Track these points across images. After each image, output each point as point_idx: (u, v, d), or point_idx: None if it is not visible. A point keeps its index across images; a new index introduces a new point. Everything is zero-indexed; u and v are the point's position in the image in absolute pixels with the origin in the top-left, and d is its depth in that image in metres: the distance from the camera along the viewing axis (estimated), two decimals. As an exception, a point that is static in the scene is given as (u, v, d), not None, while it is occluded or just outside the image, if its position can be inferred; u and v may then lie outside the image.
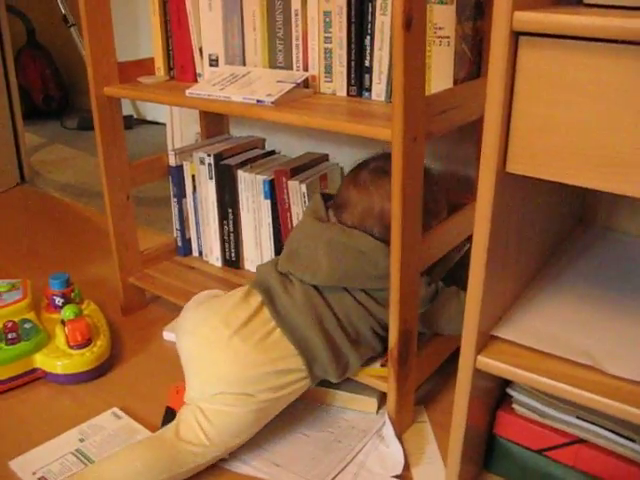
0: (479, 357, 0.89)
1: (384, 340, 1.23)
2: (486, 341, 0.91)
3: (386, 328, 1.20)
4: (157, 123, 3.51)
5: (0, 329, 1.44)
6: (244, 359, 1.17)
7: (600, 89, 0.70)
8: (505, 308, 0.97)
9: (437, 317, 1.28)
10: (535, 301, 1.00)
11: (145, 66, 1.59)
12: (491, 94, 0.76)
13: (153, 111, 3.59)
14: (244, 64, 1.42)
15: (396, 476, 1.17)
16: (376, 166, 1.29)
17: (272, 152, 1.73)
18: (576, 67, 0.71)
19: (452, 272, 1.37)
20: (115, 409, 1.35)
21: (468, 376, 0.91)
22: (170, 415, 1.27)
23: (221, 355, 1.18)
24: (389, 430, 1.23)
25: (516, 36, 0.74)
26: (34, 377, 1.44)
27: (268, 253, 1.62)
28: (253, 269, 1.63)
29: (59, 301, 1.56)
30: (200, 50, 1.47)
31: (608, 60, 0.69)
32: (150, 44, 1.57)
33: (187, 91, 1.35)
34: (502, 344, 0.91)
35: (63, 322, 1.47)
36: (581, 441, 0.97)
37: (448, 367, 1.36)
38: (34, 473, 1.18)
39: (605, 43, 0.68)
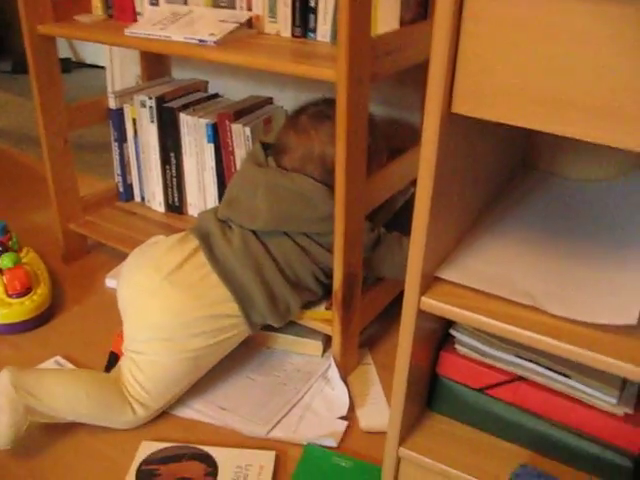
0: (423, 298, 0.90)
1: (326, 286, 1.24)
2: (430, 283, 0.92)
3: (329, 275, 1.20)
4: (97, 66, 3.40)
5: None
6: (174, 304, 1.16)
7: (548, 29, 0.70)
8: (449, 250, 0.98)
9: (380, 262, 1.28)
10: (478, 243, 1.01)
11: (81, 4, 1.53)
12: (437, 32, 0.75)
13: (92, 54, 3.47)
14: (185, 3, 1.38)
15: (341, 417, 1.18)
16: (316, 110, 1.28)
17: (215, 95, 1.69)
18: (525, 6, 0.70)
19: (396, 218, 1.37)
20: (58, 357, 1.34)
21: (412, 317, 0.91)
22: (114, 360, 1.26)
23: (151, 301, 1.17)
24: (334, 373, 1.24)
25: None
26: (-31, 326, 1.41)
27: (212, 198, 1.60)
28: (197, 214, 1.61)
29: (-2, 248, 1.52)
30: (140, -12, 1.43)
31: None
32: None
33: (126, 30, 1.30)
34: (446, 285, 0.92)
35: (1, 271, 1.43)
36: (520, 379, 0.99)
37: (391, 311, 1.37)
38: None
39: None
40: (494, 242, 1.02)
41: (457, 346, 1.03)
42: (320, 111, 1.26)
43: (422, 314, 0.91)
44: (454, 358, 1.03)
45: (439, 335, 1.06)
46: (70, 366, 1.31)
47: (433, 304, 0.90)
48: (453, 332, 1.03)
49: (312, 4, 1.23)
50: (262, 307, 1.20)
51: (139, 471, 1.09)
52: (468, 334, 1.01)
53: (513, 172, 1.25)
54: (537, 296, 0.88)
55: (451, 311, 0.89)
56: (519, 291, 0.89)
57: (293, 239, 1.22)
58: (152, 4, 1.42)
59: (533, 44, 0.72)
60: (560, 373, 0.94)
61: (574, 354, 0.82)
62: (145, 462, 1.10)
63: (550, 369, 0.95)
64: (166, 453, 1.12)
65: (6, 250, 1.52)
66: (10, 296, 1.40)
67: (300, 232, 1.22)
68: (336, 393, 1.22)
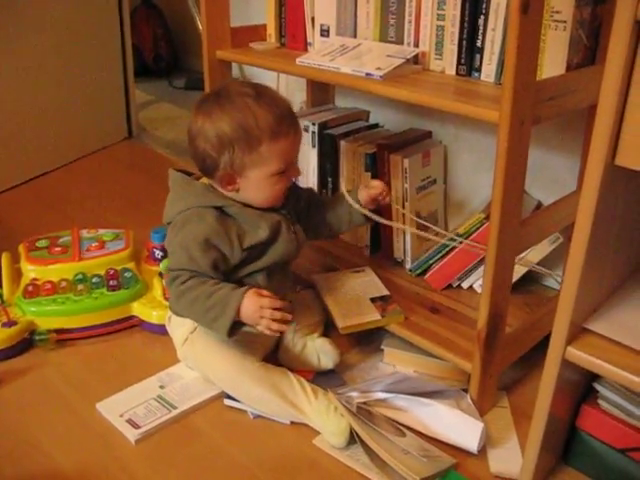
0: (569, 348, 0.88)
1: None
2: (577, 333, 0.90)
3: None
4: (261, 87, 3.52)
5: (103, 276, 1.52)
6: None
7: None
8: (600, 302, 0.95)
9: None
10: (631, 297, 0.98)
11: (257, 32, 1.62)
12: (607, 82, 0.74)
13: (258, 76, 3.61)
14: (355, 36, 1.43)
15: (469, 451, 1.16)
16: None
17: (375, 125, 1.73)
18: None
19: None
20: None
21: (555, 365, 0.90)
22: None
23: None
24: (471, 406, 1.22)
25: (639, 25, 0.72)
26: (130, 324, 1.51)
27: (363, 225, 1.62)
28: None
29: (159, 254, 1.61)
30: (312, 20, 1.49)
31: None
32: (260, 10, 1.60)
33: (297, 60, 1.37)
34: (594, 337, 0.90)
35: (161, 274, 1.52)
36: (668, 444, 0.95)
37: (534, 356, 1.34)
38: (121, 415, 1.23)
39: None
40: (648, 299, 0.98)
41: (600, 401, 1.00)
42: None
43: (566, 364, 0.90)
44: (596, 413, 1.00)
45: (582, 387, 1.03)
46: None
47: (578, 355, 0.88)
48: (597, 386, 1.00)
49: (479, 44, 1.24)
50: None
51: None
52: (614, 390, 0.98)
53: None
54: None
55: (597, 364, 0.87)
56: (673, 352, 0.86)
57: None
58: (323, 35, 1.48)
59: None
60: None
61: None
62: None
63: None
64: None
65: (166, 255, 1.60)
66: (167, 299, 1.48)
67: None
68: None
